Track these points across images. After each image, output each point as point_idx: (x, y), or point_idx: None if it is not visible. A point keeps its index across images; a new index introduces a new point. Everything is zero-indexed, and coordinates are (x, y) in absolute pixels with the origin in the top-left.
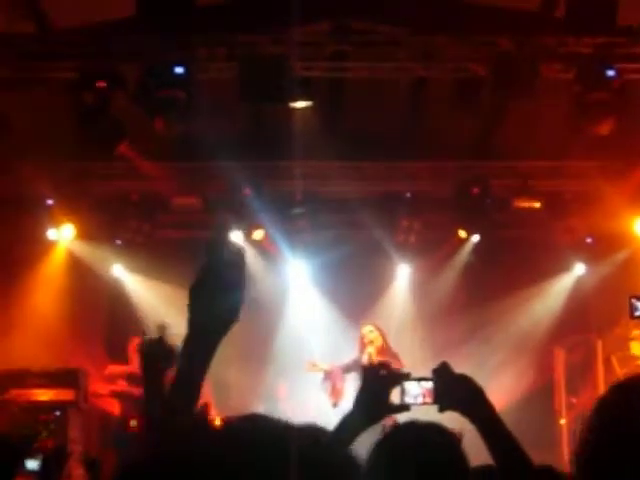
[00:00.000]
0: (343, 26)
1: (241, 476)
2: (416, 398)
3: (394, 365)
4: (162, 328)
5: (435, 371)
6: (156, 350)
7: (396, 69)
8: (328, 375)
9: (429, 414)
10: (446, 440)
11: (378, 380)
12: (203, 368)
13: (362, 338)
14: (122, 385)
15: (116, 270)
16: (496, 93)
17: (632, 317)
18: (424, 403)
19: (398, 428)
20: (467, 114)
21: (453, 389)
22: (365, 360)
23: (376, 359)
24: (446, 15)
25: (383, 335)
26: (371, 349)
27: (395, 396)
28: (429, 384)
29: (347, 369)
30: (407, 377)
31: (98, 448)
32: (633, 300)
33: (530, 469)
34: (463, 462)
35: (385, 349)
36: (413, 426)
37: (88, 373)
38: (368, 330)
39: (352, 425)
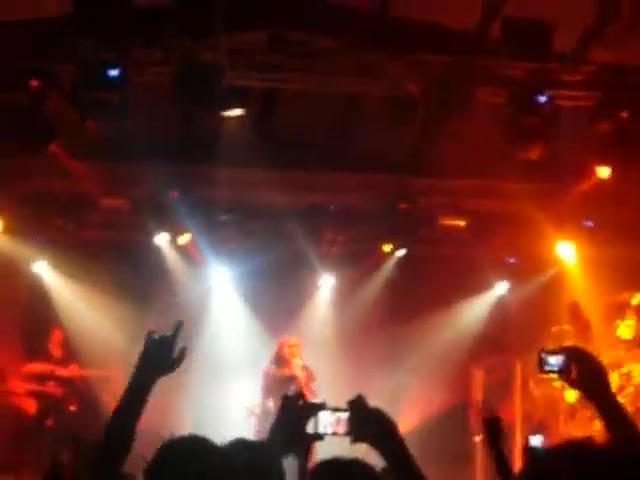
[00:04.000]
0: (279, 36)
1: None
2: (330, 428)
3: (307, 383)
4: (178, 326)
5: (350, 403)
6: (164, 348)
7: (330, 83)
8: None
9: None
10: (370, 475)
11: (295, 410)
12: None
13: (285, 348)
14: (40, 384)
15: (38, 267)
16: (429, 113)
17: (541, 372)
18: (337, 434)
19: (322, 465)
20: (399, 130)
21: (366, 422)
22: (296, 381)
23: (303, 379)
24: (384, 30)
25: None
26: (299, 361)
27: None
28: (344, 415)
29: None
30: (322, 407)
31: (10, 448)
32: (543, 355)
33: None
34: None
35: (304, 364)
36: (337, 462)
37: (4, 371)
38: (293, 342)
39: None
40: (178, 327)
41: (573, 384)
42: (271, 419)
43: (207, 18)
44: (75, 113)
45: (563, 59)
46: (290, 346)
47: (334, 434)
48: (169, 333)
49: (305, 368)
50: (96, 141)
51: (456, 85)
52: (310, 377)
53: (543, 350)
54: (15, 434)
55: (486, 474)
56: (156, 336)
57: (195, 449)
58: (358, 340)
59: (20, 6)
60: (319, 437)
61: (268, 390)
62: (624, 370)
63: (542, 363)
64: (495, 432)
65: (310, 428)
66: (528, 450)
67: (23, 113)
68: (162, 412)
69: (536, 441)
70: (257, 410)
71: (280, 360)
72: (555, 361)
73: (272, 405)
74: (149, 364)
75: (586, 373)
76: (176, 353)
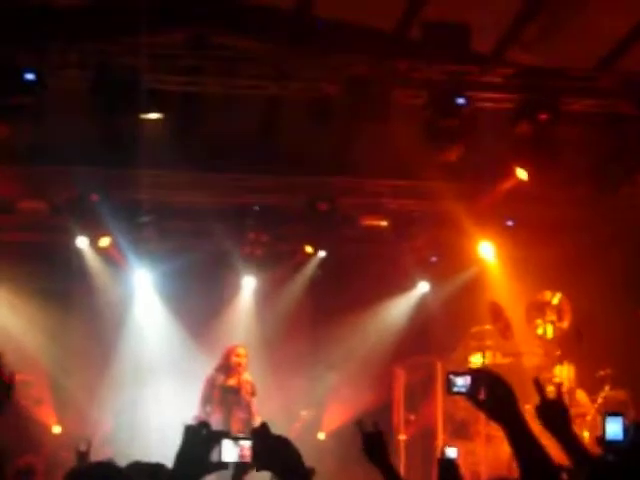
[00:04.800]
0: (198, 38)
1: None
2: (234, 457)
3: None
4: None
5: (254, 431)
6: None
7: (250, 86)
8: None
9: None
10: None
11: (199, 438)
12: None
13: (233, 357)
14: None
15: None
16: (348, 114)
17: (449, 393)
18: (243, 462)
19: None
20: (320, 131)
21: (271, 450)
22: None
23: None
24: (302, 31)
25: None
26: (247, 374)
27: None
28: (248, 443)
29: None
30: (226, 435)
31: None
32: (450, 376)
33: None
34: None
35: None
36: None
37: None
38: (243, 352)
39: None
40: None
41: (481, 406)
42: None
43: (126, 20)
44: None
45: (482, 61)
46: (238, 355)
47: (239, 463)
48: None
49: (249, 381)
50: (13, 145)
51: (375, 88)
52: (253, 391)
53: (451, 372)
54: None
55: (410, 473)
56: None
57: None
58: (281, 340)
59: None
60: (224, 466)
61: (209, 398)
62: (548, 375)
63: (450, 384)
64: (378, 447)
65: (214, 457)
66: (442, 462)
67: None
68: (83, 416)
69: (452, 453)
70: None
71: (227, 368)
72: (463, 382)
73: (210, 412)
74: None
75: (495, 396)
76: (5, 381)
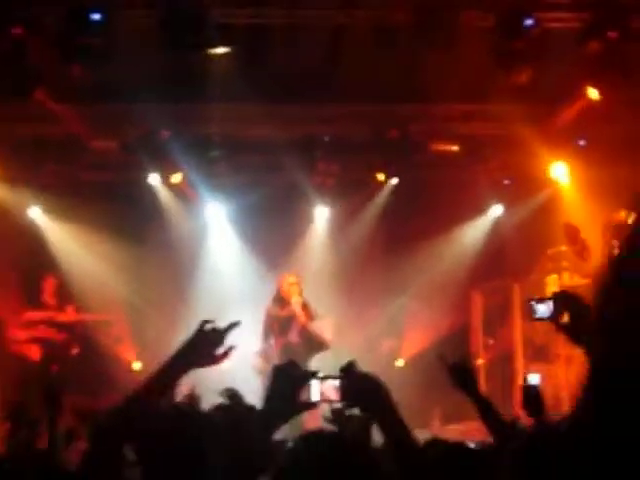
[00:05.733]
0: None
1: None
2: (323, 396)
3: (307, 321)
4: (232, 325)
5: (342, 370)
6: (211, 341)
7: (316, 16)
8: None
9: None
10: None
11: (286, 379)
12: None
13: (284, 286)
14: (42, 330)
15: (33, 213)
16: (415, 41)
17: (532, 319)
18: (330, 401)
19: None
20: (387, 58)
21: (359, 388)
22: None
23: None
24: None
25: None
26: (298, 299)
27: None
28: (336, 382)
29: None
30: (314, 375)
31: (17, 395)
32: (532, 302)
33: (420, 451)
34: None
35: (304, 302)
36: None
37: (4, 320)
38: (293, 280)
39: (264, 422)
40: (233, 325)
41: (564, 330)
42: (273, 360)
43: None
44: (60, 58)
45: None
46: (289, 284)
47: (328, 401)
48: (223, 328)
49: (305, 306)
50: (83, 84)
51: (442, 12)
52: (310, 316)
53: (532, 298)
54: (21, 381)
55: (490, 397)
56: (209, 327)
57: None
58: (357, 270)
59: None
60: (313, 405)
61: (270, 330)
62: None
63: (532, 311)
64: (467, 377)
65: (303, 396)
66: (525, 388)
67: (6, 60)
68: (161, 352)
69: (534, 379)
70: (261, 366)
71: (279, 299)
72: (545, 308)
73: (272, 344)
74: (192, 353)
75: (579, 319)
76: (222, 350)
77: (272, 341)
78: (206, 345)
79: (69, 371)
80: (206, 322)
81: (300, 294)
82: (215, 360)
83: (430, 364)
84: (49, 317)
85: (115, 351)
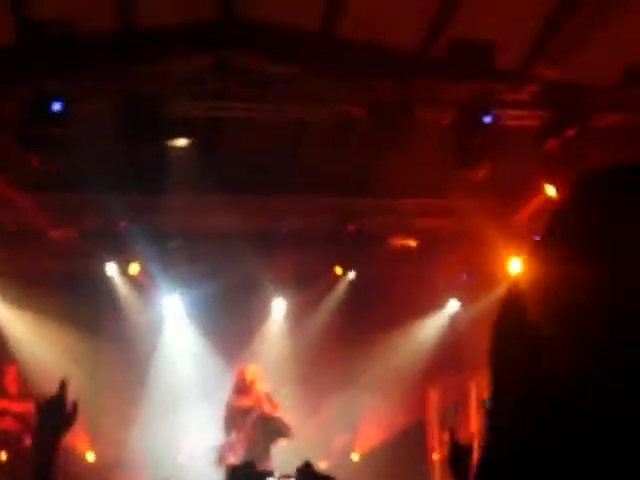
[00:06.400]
0: (222, 62)
1: None
2: None
3: (271, 410)
4: (63, 385)
5: (298, 470)
6: (55, 409)
7: (275, 110)
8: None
9: None
10: None
11: (243, 478)
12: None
13: (245, 376)
14: None
15: None
16: (373, 136)
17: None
18: None
19: None
20: (345, 152)
21: None
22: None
23: (266, 408)
24: (328, 54)
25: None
26: (261, 388)
27: None
28: None
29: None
30: (271, 475)
31: None
32: (487, 405)
33: None
34: None
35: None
36: None
37: None
38: (255, 370)
39: None
40: (63, 385)
41: None
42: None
43: (148, 46)
44: (19, 147)
45: (507, 78)
46: (250, 373)
47: None
48: (56, 394)
49: (268, 396)
50: (42, 173)
51: (400, 109)
52: (274, 405)
53: (486, 401)
54: None
55: None
56: (44, 399)
57: None
58: (313, 362)
59: None
60: None
61: (231, 422)
62: None
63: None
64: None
65: None
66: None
67: None
68: (115, 444)
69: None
70: (226, 460)
71: (240, 389)
72: None
73: (234, 437)
74: (46, 427)
75: None
76: (69, 409)
77: (234, 435)
78: (52, 414)
79: (21, 462)
80: (40, 397)
81: (262, 384)
82: (69, 419)
83: (385, 459)
84: (4, 407)
85: (68, 442)
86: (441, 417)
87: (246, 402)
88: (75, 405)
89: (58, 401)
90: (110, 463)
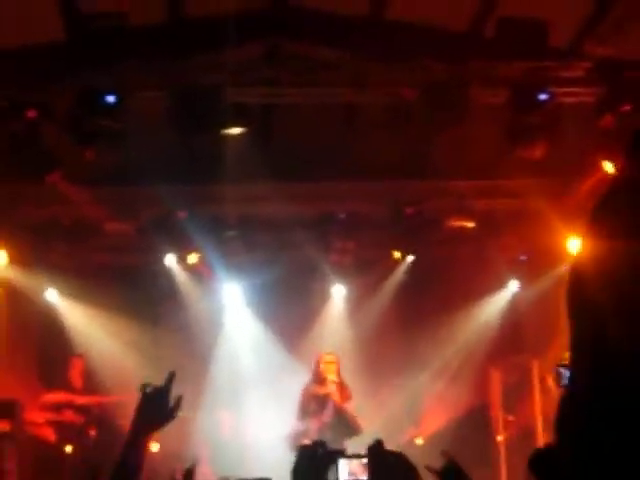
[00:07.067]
0: (276, 49)
1: None
2: (350, 475)
3: (344, 401)
4: (170, 376)
5: (370, 448)
6: (160, 400)
7: (328, 95)
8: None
9: None
10: None
11: (314, 459)
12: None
13: (321, 365)
14: (58, 413)
15: (49, 295)
16: (427, 118)
17: (559, 386)
18: None
19: None
20: (400, 136)
21: (386, 467)
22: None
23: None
24: (377, 37)
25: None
26: (333, 377)
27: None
28: (363, 461)
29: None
30: (341, 455)
31: (32, 478)
32: (560, 369)
33: None
34: None
35: (340, 381)
36: None
37: (23, 402)
38: (329, 359)
39: None
40: (170, 377)
41: None
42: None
43: (202, 36)
44: (73, 141)
45: (560, 56)
46: (326, 362)
47: None
48: (163, 385)
49: (341, 386)
50: (97, 167)
51: (453, 90)
52: (346, 396)
53: (559, 364)
54: (35, 463)
55: (510, 474)
56: (150, 389)
57: None
58: (374, 347)
59: (10, 35)
60: None
61: (305, 408)
62: None
63: (559, 377)
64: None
65: (331, 476)
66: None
67: (21, 144)
68: (181, 435)
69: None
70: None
71: (316, 378)
72: None
73: (309, 423)
74: (147, 418)
75: None
76: (172, 403)
77: (307, 421)
78: (155, 404)
79: (87, 453)
80: (145, 386)
81: (337, 373)
82: (170, 414)
83: (450, 441)
84: (68, 399)
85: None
86: (504, 398)
87: (322, 390)
88: (180, 399)
89: (164, 393)
90: (174, 453)
